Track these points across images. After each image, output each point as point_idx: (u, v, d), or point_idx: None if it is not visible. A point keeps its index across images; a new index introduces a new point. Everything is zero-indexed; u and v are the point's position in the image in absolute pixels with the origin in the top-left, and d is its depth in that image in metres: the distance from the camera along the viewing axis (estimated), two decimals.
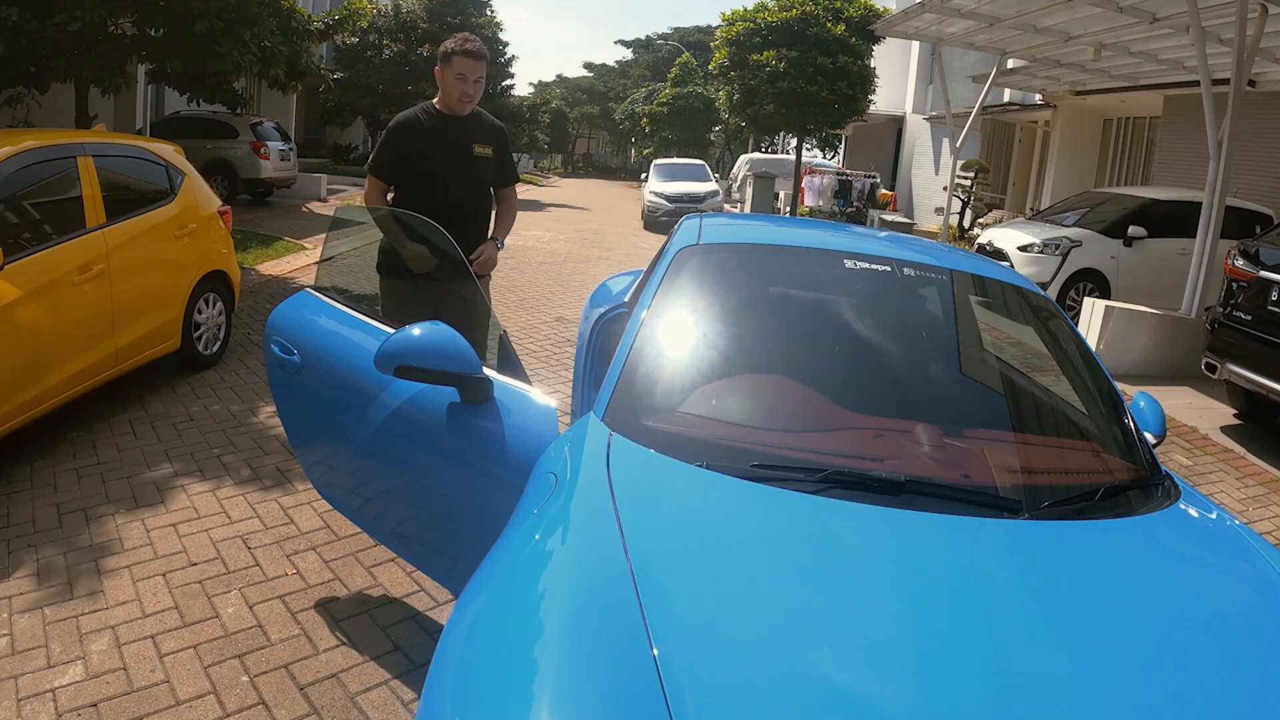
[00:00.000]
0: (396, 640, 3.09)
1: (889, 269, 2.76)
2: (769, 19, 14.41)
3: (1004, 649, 1.49)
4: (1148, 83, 14.13)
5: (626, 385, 2.22)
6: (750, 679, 1.35)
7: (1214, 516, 2.19)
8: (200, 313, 6.05)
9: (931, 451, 2.15)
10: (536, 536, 1.72)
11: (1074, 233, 10.63)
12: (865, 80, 14.99)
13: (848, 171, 19.63)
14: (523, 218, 19.00)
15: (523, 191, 30.75)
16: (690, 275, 2.66)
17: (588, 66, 62.82)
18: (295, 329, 2.92)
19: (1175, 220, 10.79)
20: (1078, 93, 16.77)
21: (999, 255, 10.91)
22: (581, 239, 15.65)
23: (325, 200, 16.73)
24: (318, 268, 5.66)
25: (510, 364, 2.89)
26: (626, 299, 3.76)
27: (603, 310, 3.81)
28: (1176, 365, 8.37)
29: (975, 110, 13.99)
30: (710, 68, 16.66)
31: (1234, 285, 7.09)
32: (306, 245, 11.28)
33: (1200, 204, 10.88)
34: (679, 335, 2.52)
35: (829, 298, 2.84)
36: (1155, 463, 2.34)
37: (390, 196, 3.90)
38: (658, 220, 18.64)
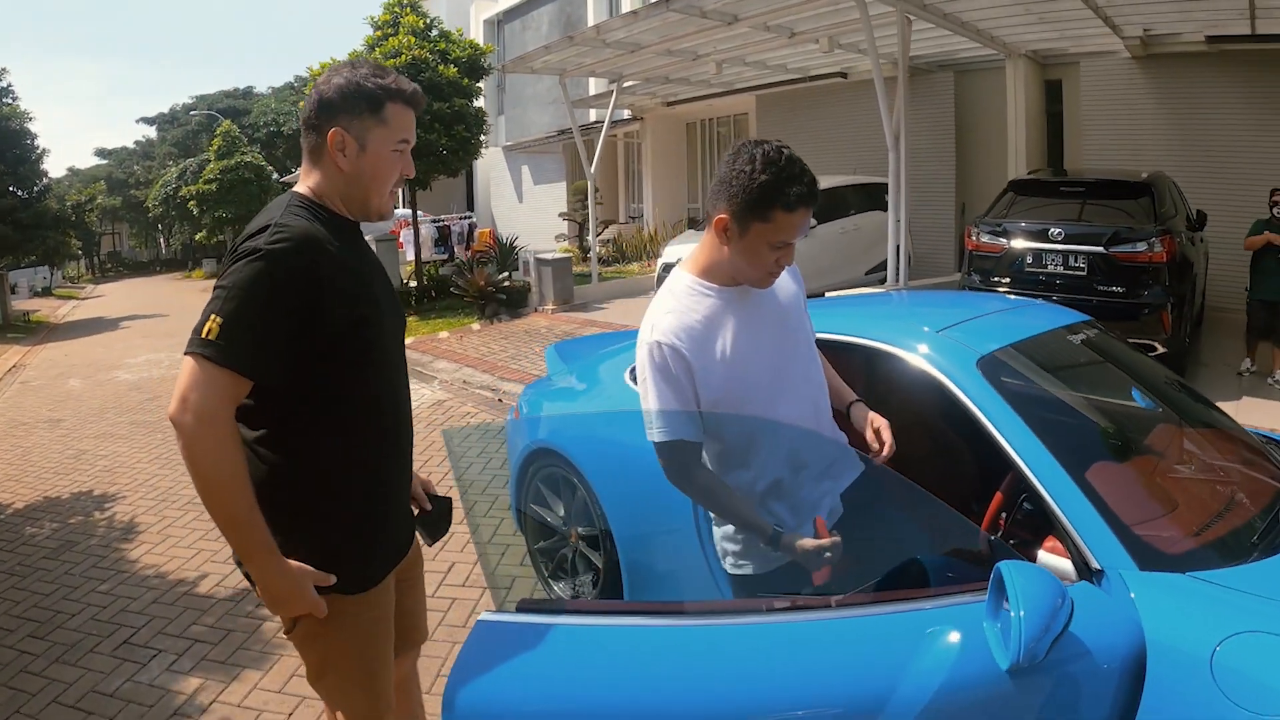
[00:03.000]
0: None
1: None
2: None
3: None
4: (742, 86, 15.39)
5: None
6: None
7: None
8: None
9: None
10: None
11: None
12: (480, 121, 14.50)
13: (443, 217, 19.02)
14: (108, 341, 16.15)
15: (73, 309, 25.82)
16: None
17: (101, 153, 54.89)
18: None
19: (830, 205, 11.81)
20: (669, 103, 17.85)
21: None
22: None
23: None
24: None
25: None
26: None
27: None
28: None
29: (604, 131, 14.19)
30: None
31: (979, 257, 7.83)
32: None
33: (841, 188, 12.20)
34: None
35: None
36: None
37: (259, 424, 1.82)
38: None
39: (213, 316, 1.64)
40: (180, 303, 23.70)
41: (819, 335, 2.58)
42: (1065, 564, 2.12)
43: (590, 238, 15.35)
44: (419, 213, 16.19)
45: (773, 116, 15.96)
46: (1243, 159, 10.07)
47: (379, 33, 13.60)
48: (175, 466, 6.59)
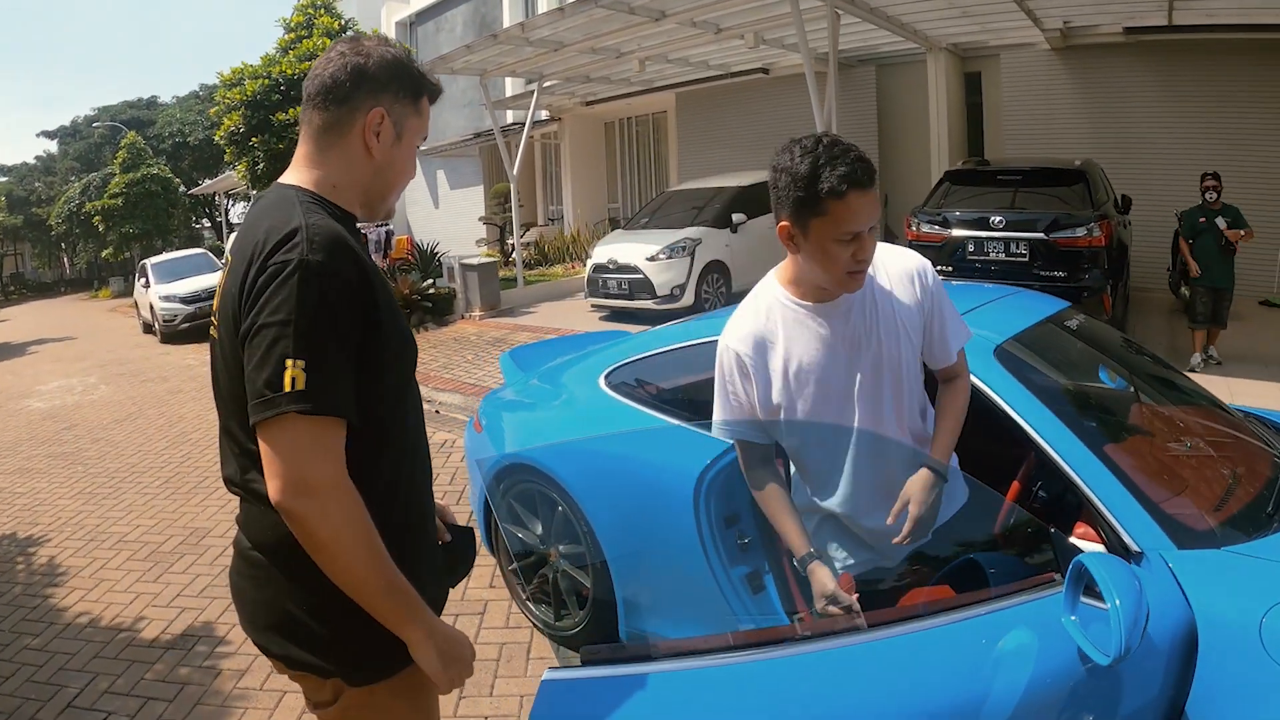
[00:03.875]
0: None
1: None
2: (288, 71, 12.76)
3: None
4: (662, 84, 15.30)
5: None
6: None
7: None
8: None
9: None
10: None
11: (693, 232, 11.08)
12: None
13: (360, 225, 18.35)
14: (17, 367, 15.33)
15: None
16: None
17: None
18: None
19: (757, 201, 11.80)
20: (588, 103, 17.66)
21: (629, 269, 11.00)
22: (120, 373, 12.62)
23: None
24: None
25: None
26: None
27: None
28: None
29: (526, 132, 13.92)
30: (217, 138, 14.22)
31: (920, 247, 7.86)
32: None
33: (765, 184, 12.19)
34: None
35: None
36: None
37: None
38: (177, 329, 15.88)
39: (289, 361, 1.32)
40: (89, 324, 22.55)
41: None
42: (1098, 549, 2.11)
43: (514, 240, 15.06)
44: None
45: (693, 114, 15.96)
46: (1160, 146, 10.41)
47: (292, 35, 13.12)
48: (101, 502, 6.13)
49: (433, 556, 1.68)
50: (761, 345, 1.99)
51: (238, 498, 1.54)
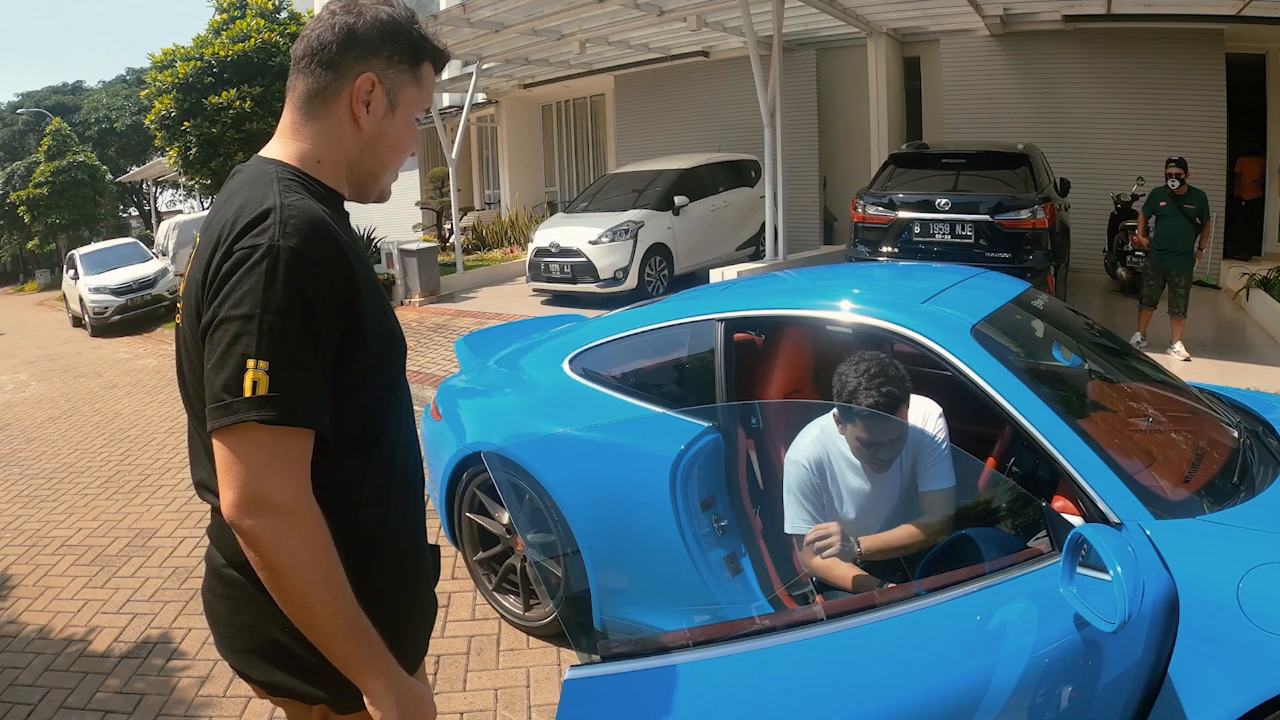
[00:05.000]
0: None
1: None
2: (221, 53, 12.29)
3: None
4: (601, 67, 15.18)
5: None
6: None
7: None
8: None
9: None
10: None
11: (635, 214, 11.03)
12: None
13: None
14: None
15: None
16: None
17: None
18: None
19: (698, 183, 11.84)
20: (526, 86, 17.44)
21: (571, 253, 10.92)
22: (51, 370, 12.10)
23: None
24: None
25: None
26: None
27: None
28: None
29: (464, 115, 13.66)
30: (148, 123, 13.68)
31: (866, 229, 7.95)
32: None
33: (709, 166, 12.26)
34: None
35: None
36: None
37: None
38: (108, 321, 15.34)
39: (250, 362, 1.16)
40: (16, 319, 21.52)
41: (788, 313, 3.06)
42: (1077, 522, 2.14)
43: (453, 224, 14.83)
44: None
45: (632, 97, 15.89)
46: (1096, 132, 10.67)
47: (224, 15, 12.68)
48: (40, 505, 5.85)
49: (427, 591, 1.53)
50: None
51: (210, 507, 1.38)
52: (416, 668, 1.47)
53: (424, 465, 1.58)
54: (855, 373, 2.38)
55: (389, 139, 1.40)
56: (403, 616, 1.43)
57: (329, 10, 1.38)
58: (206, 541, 1.45)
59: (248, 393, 1.15)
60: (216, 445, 1.19)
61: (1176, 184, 7.06)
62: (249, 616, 1.35)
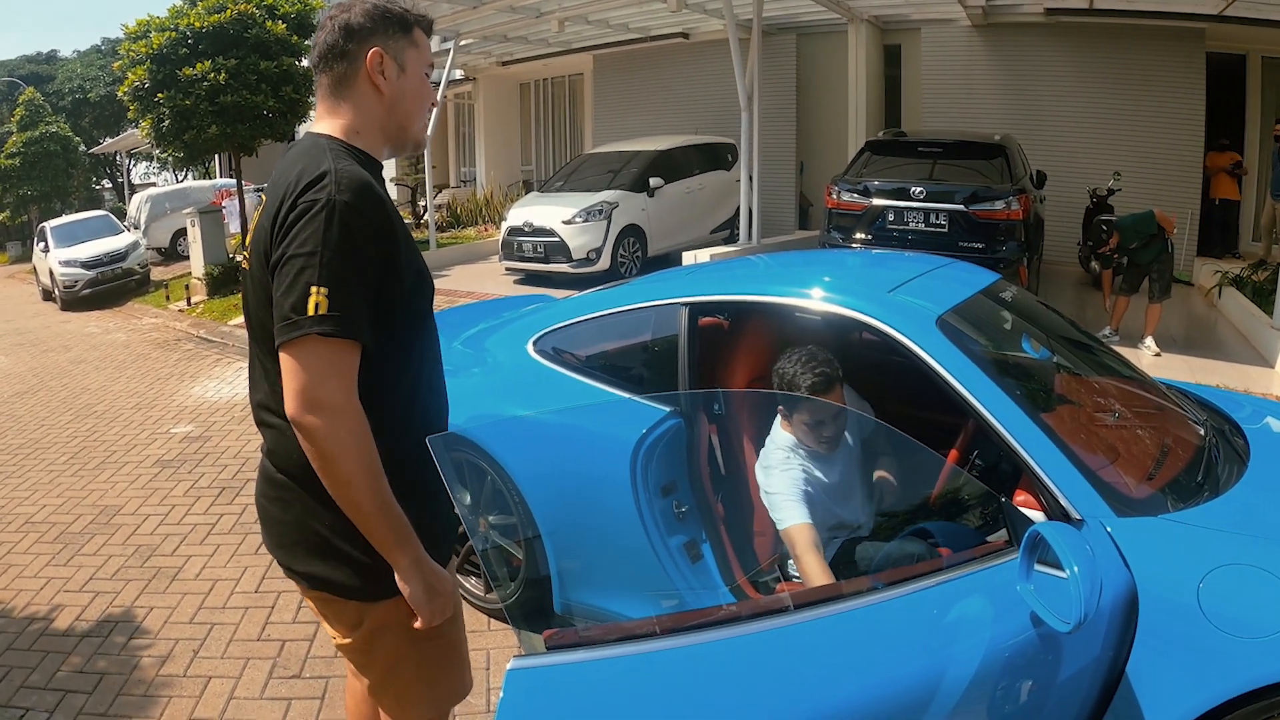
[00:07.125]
0: None
1: None
2: (196, 24, 12.03)
3: None
4: (580, 46, 15.04)
5: None
6: None
7: None
8: None
9: None
10: None
11: (609, 195, 10.96)
12: (309, 81, 13.49)
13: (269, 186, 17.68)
14: None
15: None
16: None
17: None
18: None
19: (672, 165, 11.77)
20: (504, 63, 17.26)
21: (544, 232, 10.84)
22: (19, 343, 11.85)
23: None
24: None
25: None
26: None
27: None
28: None
29: (441, 92, 13.50)
30: (121, 94, 13.38)
31: (840, 215, 7.94)
32: None
33: (684, 149, 12.20)
34: None
35: None
36: None
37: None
38: (78, 295, 15.10)
39: (313, 289, 1.45)
40: None
41: (754, 299, 3.06)
42: (1038, 517, 2.14)
43: (428, 202, 14.68)
44: (243, 182, 14.98)
45: (610, 77, 15.75)
46: (1074, 125, 10.70)
47: None
48: (4, 481, 5.71)
49: (447, 499, 1.76)
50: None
51: (264, 425, 1.67)
52: (446, 561, 1.75)
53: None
54: (790, 364, 2.58)
55: (409, 95, 1.72)
56: (425, 506, 1.68)
57: (327, 17, 1.70)
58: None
59: (311, 312, 1.44)
60: (283, 357, 1.48)
61: None
62: (295, 514, 1.64)
